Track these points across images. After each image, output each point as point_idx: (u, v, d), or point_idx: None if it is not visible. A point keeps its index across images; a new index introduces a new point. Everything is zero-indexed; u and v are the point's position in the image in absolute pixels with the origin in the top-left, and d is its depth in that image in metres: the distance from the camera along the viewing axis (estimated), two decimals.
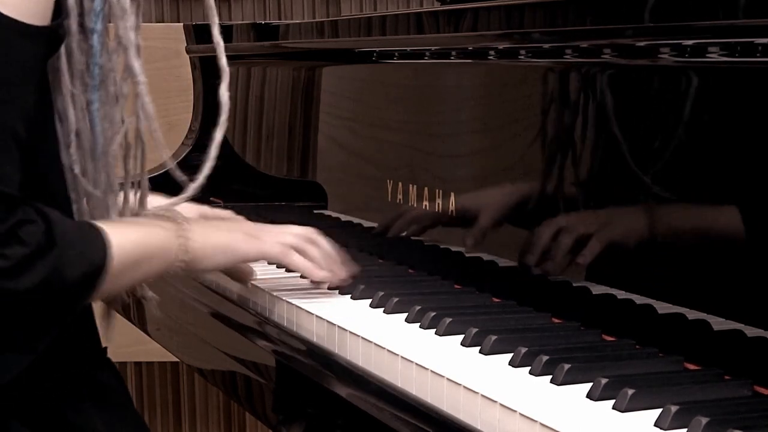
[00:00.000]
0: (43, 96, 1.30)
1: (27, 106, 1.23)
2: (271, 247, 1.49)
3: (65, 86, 1.33)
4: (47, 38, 1.26)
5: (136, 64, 1.36)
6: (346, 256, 1.57)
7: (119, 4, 1.34)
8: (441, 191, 1.62)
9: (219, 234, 1.47)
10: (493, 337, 1.25)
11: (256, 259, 1.53)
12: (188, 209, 1.63)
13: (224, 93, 1.46)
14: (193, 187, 1.46)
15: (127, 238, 1.31)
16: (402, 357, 1.24)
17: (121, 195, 1.42)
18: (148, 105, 1.39)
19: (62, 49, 1.31)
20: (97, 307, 1.48)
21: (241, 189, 2.33)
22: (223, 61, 1.47)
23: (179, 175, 1.47)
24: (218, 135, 1.46)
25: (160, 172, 2.28)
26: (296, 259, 1.50)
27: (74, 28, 1.32)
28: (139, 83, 1.37)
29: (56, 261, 1.21)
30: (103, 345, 1.49)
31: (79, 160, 1.36)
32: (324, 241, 1.54)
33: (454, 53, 1.64)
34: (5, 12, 1.20)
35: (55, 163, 1.34)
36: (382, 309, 1.46)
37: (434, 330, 1.34)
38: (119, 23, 1.35)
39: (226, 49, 1.51)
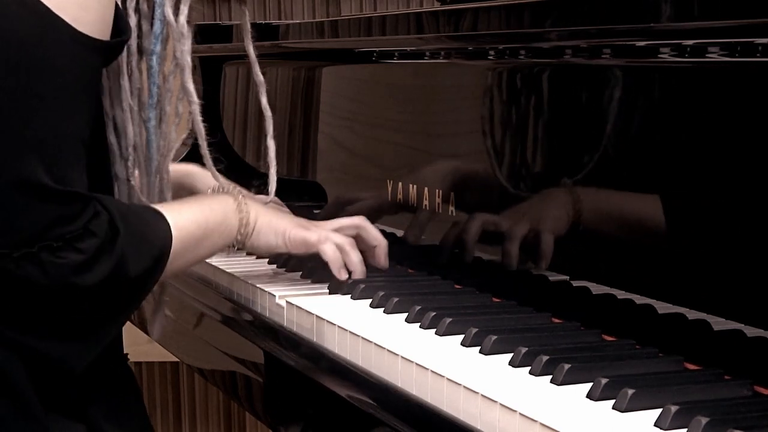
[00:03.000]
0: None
1: (89, 114, 1.28)
2: (311, 234, 1.52)
3: (126, 102, 1.39)
4: (106, 53, 1.31)
5: (191, 86, 1.43)
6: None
7: (178, 28, 1.40)
8: (441, 191, 1.62)
9: (273, 215, 1.52)
10: (493, 337, 1.25)
11: (299, 246, 1.54)
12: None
13: (266, 107, 1.55)
14: (271, 196, 1.58)
15: (187, 219, 1.36)
16: (402, 357, 1.24)
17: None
18: (200, 125, 1.46)
19: (124, 68, 1.38)
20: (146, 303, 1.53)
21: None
22: (261, 75, 1.57)
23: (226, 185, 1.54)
24: (270, 144, 1.57)
25: None
26: (328, 249, 1.52)
27: (133, 49, 1.38)
28: (193, 103, 1.44)
29: (121, 250, 1.25)
30: (153, 338, 1.57)
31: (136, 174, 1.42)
32: (373, 229, 1.59)
33: (454, 53, 1.64)
34: (74, 26, 1.24)
35: (96, 165, 1.37)
36: (382, 309, 1.45)
37: (434, 330, 1.34)
38: (177, 45, 1.42)
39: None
